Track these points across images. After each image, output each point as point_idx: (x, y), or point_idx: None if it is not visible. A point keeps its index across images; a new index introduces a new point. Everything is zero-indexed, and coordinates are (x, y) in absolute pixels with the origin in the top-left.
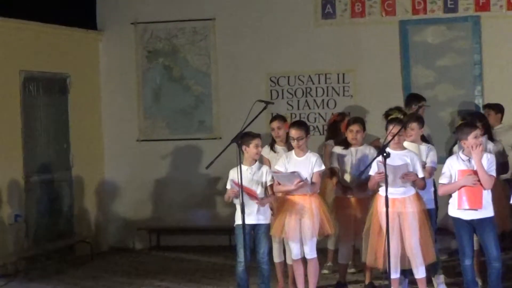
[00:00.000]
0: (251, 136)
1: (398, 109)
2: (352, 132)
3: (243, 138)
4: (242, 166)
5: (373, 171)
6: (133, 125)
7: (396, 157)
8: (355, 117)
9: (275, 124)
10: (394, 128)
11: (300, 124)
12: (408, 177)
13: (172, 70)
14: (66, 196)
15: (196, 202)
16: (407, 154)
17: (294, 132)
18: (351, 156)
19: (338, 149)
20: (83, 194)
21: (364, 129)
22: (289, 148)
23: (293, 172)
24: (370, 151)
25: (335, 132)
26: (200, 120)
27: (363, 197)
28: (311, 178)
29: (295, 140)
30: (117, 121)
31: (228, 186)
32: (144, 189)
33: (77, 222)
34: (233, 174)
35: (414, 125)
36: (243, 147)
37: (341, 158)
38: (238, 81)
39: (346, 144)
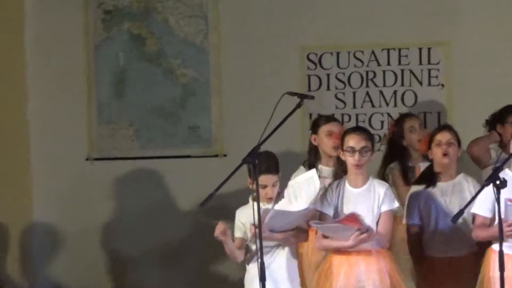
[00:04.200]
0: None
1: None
2: (441, 146)
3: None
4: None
5: (480, 208)
6: (80, 134)
7: None
8: (443, 124)
9: (333, 127)
10: None
11: (364, 130)
12: None
13: (144, 42)
14: None
15: (182, 257)
16: None
17: (356, 141)
18: (444, 196)
19: (416, 190)
20: None
21: (459, 142)
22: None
23: (350, 220)
24: (470, 184)
25: (397, 148)
26: (190, 126)
27: (462, 254)
28: (377, 223)
29: (357, 153)
30: (54, 127)
31: (238, 235)
32: (97, 237)
33: None
34: (244, 216)
35: None
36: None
37: (426, 205)
38: (254, 61)
39: (431, 179)
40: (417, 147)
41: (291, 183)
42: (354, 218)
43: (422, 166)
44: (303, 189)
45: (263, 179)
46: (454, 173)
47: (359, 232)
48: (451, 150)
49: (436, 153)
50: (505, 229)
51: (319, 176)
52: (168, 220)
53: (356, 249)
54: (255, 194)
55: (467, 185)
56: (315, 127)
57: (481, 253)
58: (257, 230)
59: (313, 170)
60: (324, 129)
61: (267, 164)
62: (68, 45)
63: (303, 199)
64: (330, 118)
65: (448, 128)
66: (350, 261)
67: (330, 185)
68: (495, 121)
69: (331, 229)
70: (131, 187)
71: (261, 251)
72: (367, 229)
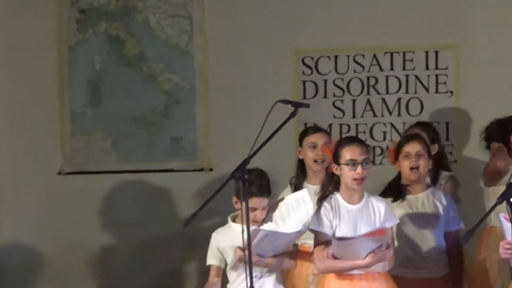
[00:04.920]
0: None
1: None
2: (409, 158)
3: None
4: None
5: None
6: (51, 145)
7: None
8: (409, 134)
9: (318, 138)
10: None
11: (362, 141)
12: None
13: (123, 45)
14: None
15: (166, 278)
16: None
17: (356, 153)
18: (413, 211)
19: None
20: None
21: (429, 153)
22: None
23: (378, 233)
24: (442, 197)
25: None
26: (173, 137)
27: (437, 275)
28: None
29: (359, 167)
30: (23, 138)
31: (213, 262)
32: (73, 262)
33: None
34: (223, 240)
35: None
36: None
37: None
38: (244, 65)
39: (400, 191)
40: None
41: (280, 204)
42: (382, 231)
43: None
44: (291, 211)
45: (254, 201)
46: (424, 186)
47: (379, 250)
48: (422, 162)
49: (404, 165)
50: (502, 250)
51: None
52: (150, 239)
53: (361, 271)
54: (234, 213)
55: (438, 198)
56: (300, 138)
57: (450, 278)
58: (246, 252)
59: (305, 190)
60: (308, 140)
61: (259, 185)
62: (39, 47)
63: (291, 222)
64: (318, 129)
65: (417, 138)
66: (353, 286)
67: (322, 202)
68: (505, 131)
69: (351, 245)
70: (108, 203)
71: (251, 277)
72: (388, 246)
